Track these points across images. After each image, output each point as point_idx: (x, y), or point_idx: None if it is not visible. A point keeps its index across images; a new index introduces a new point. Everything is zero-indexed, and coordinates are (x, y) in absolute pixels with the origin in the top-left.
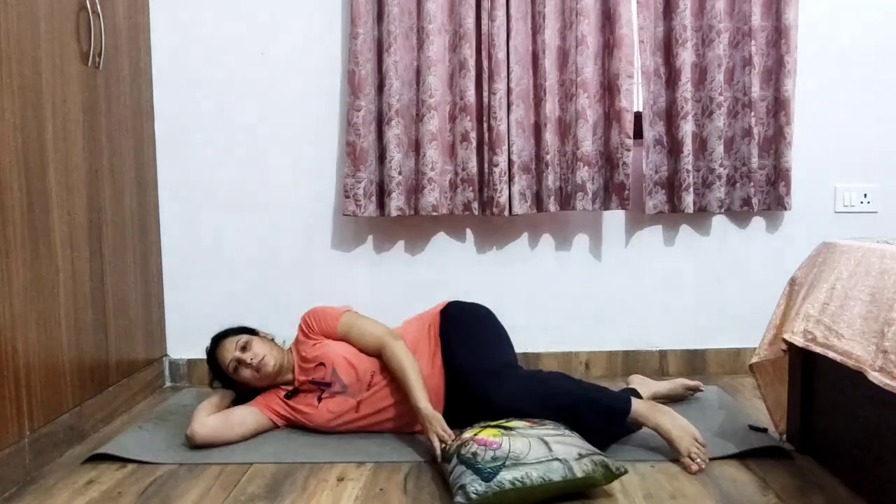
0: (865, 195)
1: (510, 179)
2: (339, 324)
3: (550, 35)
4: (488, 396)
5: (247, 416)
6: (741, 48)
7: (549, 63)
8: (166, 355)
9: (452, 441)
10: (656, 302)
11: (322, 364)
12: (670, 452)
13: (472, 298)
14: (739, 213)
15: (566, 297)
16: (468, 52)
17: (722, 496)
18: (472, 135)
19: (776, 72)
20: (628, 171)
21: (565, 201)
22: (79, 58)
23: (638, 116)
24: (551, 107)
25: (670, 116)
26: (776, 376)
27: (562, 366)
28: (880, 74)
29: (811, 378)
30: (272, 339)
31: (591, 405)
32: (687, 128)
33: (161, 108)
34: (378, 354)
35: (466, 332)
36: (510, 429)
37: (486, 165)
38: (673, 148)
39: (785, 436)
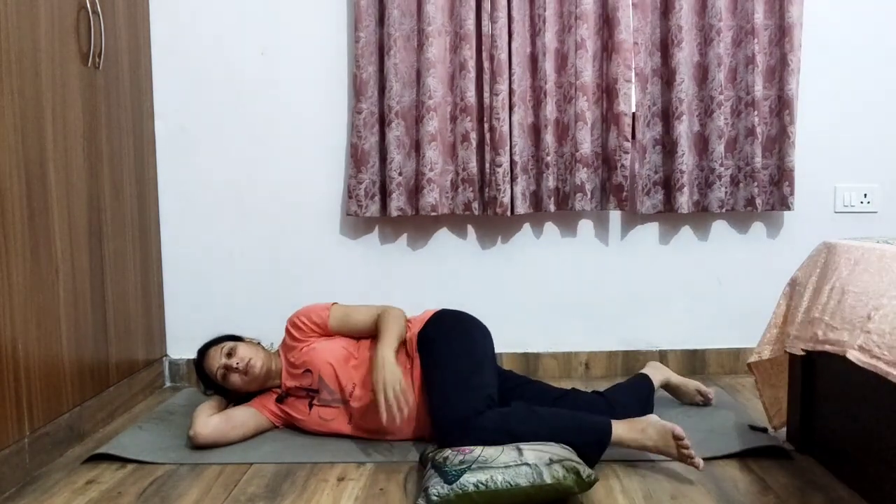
0: (865, 195)
1: (513, 180)
2: (329, 314)
3: (550, 38)
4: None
5: (247, 417)
6: (744, 46)
7: (549, 65)
8: (166, 355)
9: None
10: (656, 302)
11: (308, 371)
12: None
13: (473, 298)
14: (739, 214)
15: (566, 297)
16: (468, 53)
17: (722, 496)
18: (473, 135)
19: (779, 70)
20: (626, 173)
21: (563, 201)
22: (79, 58)
23: (636, 117)
24: (550, 109)
25: (669, 117)
26: (773, 373)
27: (562, 366)
28: (880, 74)
29: (811, 378)
30: (258, 343)
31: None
32: (682, 128)
33: (161, 108)
34: (377, 327)
35: (442, 362)
36: None
37: (487, 166)
38: (672, 148)
39: (780, 431)
